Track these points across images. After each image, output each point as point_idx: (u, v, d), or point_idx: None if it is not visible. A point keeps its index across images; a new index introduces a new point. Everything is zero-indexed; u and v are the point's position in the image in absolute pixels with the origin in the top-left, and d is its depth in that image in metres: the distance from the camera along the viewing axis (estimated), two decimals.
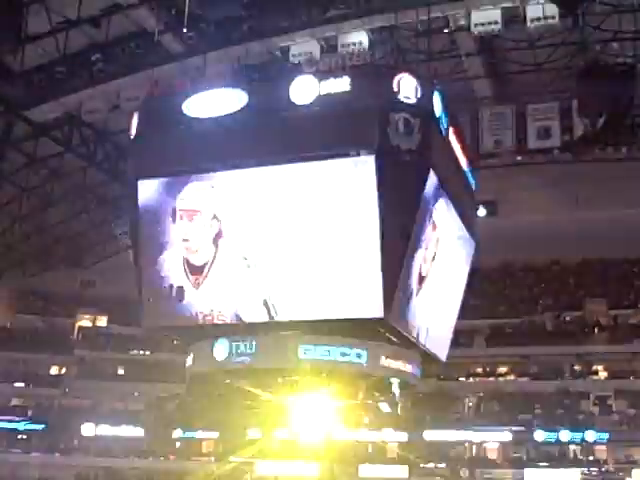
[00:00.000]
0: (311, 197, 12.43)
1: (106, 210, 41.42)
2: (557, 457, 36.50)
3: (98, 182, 38.02)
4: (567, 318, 41.55)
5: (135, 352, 47.26)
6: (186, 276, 13.65)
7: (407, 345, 14.27)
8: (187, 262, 13.61)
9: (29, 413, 45.28)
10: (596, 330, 40.37)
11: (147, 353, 46.69)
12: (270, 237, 12.78)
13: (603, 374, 39.66)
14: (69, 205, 40.18)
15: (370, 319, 12.41)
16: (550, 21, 22.55)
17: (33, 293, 48.59)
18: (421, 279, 13.43)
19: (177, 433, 42.90)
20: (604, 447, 36.51)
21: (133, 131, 14.34)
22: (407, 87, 12.32)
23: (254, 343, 13.61)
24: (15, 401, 46.95)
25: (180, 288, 13.72)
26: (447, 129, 13.50)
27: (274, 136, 12.72)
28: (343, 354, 13.63)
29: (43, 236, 43.37)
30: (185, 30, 24.16)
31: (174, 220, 13.53)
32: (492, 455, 38.86)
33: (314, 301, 12.63)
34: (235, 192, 13.03)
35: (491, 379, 42.02)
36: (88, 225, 43.91)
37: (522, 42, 27.63)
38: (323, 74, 13.17)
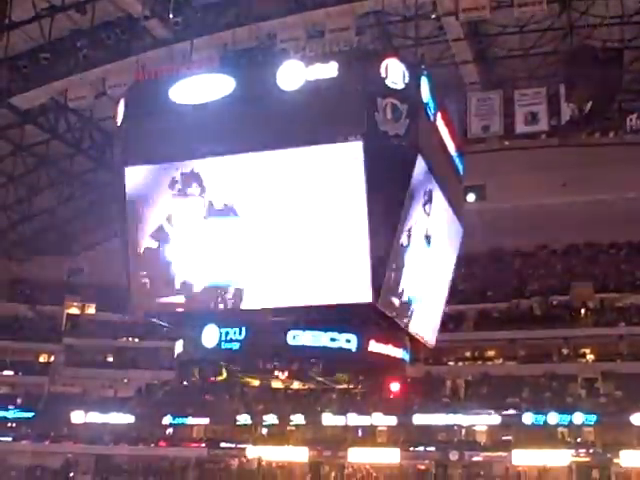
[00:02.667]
0: (299, 183, 12.41)
1: (93, 197, 41.29)
2: (545, 440, 36.76)
3: (85, 169, 37.89)
4: (554, 302, 41.75)
5: (124, 339, 47.22)
6: (173, 262, 13.63)
7: (396, 330, 14.32)
8: (173, 248, 13.59)
9: (18, 401, 45.19)
10: (583, 313, 40.63)
11: (136, 340, 46.65)
12: (257, 223, 12.78)
13: (590, 357, 39.97)
14: (56, 192, 39.99)
15: (359, 304, 12.44)
16: (537, 6, 22.57)
17: (20, 281, 48.40)
18: (409, 264, 13.45)
19: (167, 419, 42.99)
20: (592, 429, 36.81)
21: (120, 118, 14.26)
22: (394, 72, 12.30)
23: (243, 329, 13.64)
24: (4, 389, 46.88)
25: (168, 274, 13.70)
26: (435, 114, 13.50)
27: (261, 122, 12.67)
28: (332, 339, 13.67)
29: (30, 224, 43.19)
30: (171, 16, 24.05)
31: (161, 206, 13.49)
32: (481, 438, 39.10)
33: (302, 287, 12.64)
34: (222, 178, 13.00)
35: (479, 363, 42.26)
36: (75, 212, 43.79)
37: (509, 27, 27.68)
38: (310, 59, 13.13)
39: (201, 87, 13.39)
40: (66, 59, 26.80)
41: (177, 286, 13.65)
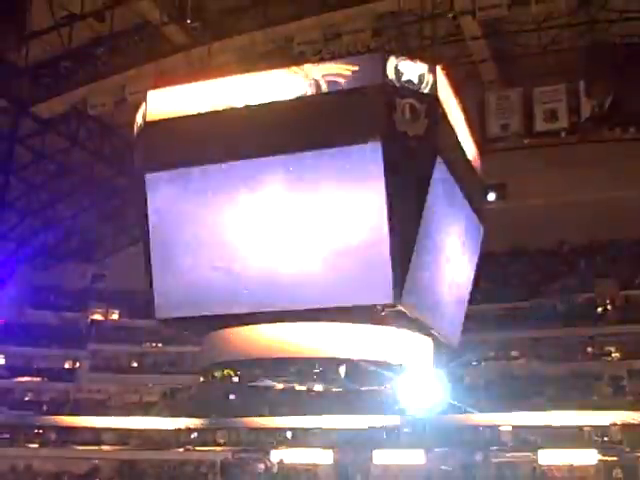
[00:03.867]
0: (319, 186, 12.41)
1: (115, 203, 41.59)
2: (572, 439, 36.50)
3: (106, 176, 38.16)
4: (578, 300, 41.43)
5: (148, 345, 47.48)
6: (197, 268, 13.67)
7: (418, 331, 14.27)
8: (198, 252, 13.62)
9: (44, 408, 45.53)
10: (608, 311, 40.28)
11: (160, 345, 46.89)
12: (279, 226, 12.79)
13: (616, 355, 39.62)
14: (78, 200, 40.32)
15: (380, 305, 12.41)
16: (555, 2, 22.46)
17: (44, 288, 48.82)
18: (430, 264, 13.42)
19: (192, 423, 43.14)
20: (618, 428, 36.47)
21: (140, 124, 14.32)
22: (412, 73, 12.28)
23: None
24: (30, 395, 47.26)
25: (191, 279, 13.75)
26: (453, 114, 13.46)
27: (280, 125, 12.69)
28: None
29: (53, 231, 43.58)
30: (189, 21, 24.19)
31: (184, 212, 13.53)
32: (506, 438, 38.87)
33: (322, 289, 12.63)
34: (245, 182, 13.02)
35: (503, 362, 42.02)
36: (97, 219, 44.09)
37: (527, 24, 27.56)
38: (327, 62, 13.13)
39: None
40: (86, 67, 27.09)
41: (202, 290, 13.67)
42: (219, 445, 43.01)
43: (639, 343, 39.09)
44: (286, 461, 40.39)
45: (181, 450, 42.67)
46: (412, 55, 12.85)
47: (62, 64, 26.62)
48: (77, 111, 30.63)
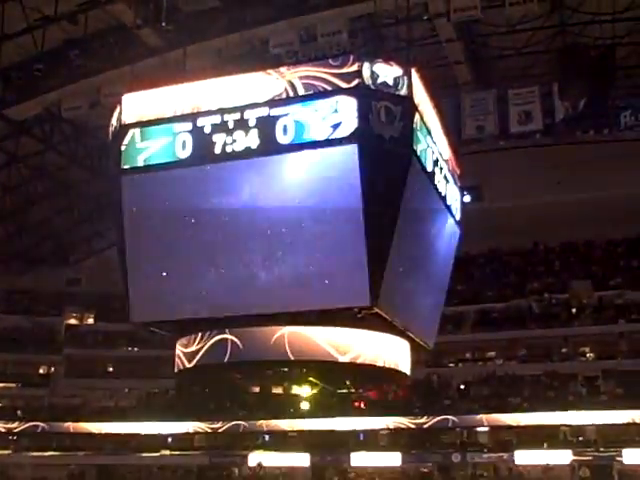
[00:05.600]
0: (294, 187, 12.39)
1: (90, 207, 41.26)
2: (547, 439, 36.75)
3: (81, 179, 37.85)
4: (553, 301, 41.74)
5: (123, 349, 47.13)
6: (172, 271, 13.59)
7: (394, 333, 14.28)
8: (172, 256, 13.54)
9: (18, 413, 45.05)
10: (582, 312, 40.60)
11: (135, 349, 46.56)
12: (254, 229, 12.74)
13: (590, 355, 39.97)
14: (52, 203, 39.97)
15: (357, 308, 12.40)
16: (529, 4, 22.60)
17: (18, 292, 48.33)
18: (406, 267, 13.43)
19: (168, 428, 42.91)
20: (593, 428, 36.76)
21: (114, 127, 14.22)
22: (387, 75, 12.30)
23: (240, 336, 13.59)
24: (4, 401, 46.76)
25: (167, 284, 13.66)
26: (429, 116, 13.49)
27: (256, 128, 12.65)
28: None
29: (27, 234, 43.17)
30: (163, 24, 24.03)
31: (159, 215, 13.44)
32: (483, 439, 39.04)
33: (298, 291, 12.60)
34: (219, 185, 12.96)
35: (480, 364, 42.23)
36: (72, 223, 43.74)
37: (501, 27, 27.72)
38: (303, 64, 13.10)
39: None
40: (59, 70, 26.79)
41: (177, 294, 13.59)
42: (196, 449, 42.83)
43: (613, 343, 39.49)
44: (264, 464, 40.29)
45: (158, 455, 42.39)
46: (388, 57, 12.86)
47: (35, 66, 26.32)
48: (51, 114, 30.36)
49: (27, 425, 43.91)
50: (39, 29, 25.69)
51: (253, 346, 13.33)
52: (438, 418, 38.38)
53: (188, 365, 14.01)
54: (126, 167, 13.38)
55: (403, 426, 38.90)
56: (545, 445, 36.47)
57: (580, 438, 36.82)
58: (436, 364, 40.16)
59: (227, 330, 13.35)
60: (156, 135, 13.25)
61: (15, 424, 43.99)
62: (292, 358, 13.21)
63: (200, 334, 13.64)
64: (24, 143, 33.59)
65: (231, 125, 12.66)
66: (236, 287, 12.98)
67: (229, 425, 41.79)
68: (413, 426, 38.69)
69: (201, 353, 13.70)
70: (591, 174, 37.40)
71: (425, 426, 38.55)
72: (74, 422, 43.54)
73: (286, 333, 13.26)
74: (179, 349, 14.38)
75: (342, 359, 13.37)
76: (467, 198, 30.73)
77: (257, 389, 16.85)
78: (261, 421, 41.22)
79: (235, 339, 13.30)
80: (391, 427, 39.42)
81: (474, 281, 43.60)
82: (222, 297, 13.16)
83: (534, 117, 27.12)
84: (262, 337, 13.34)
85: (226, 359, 13.27)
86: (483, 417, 38.16)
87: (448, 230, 16.20)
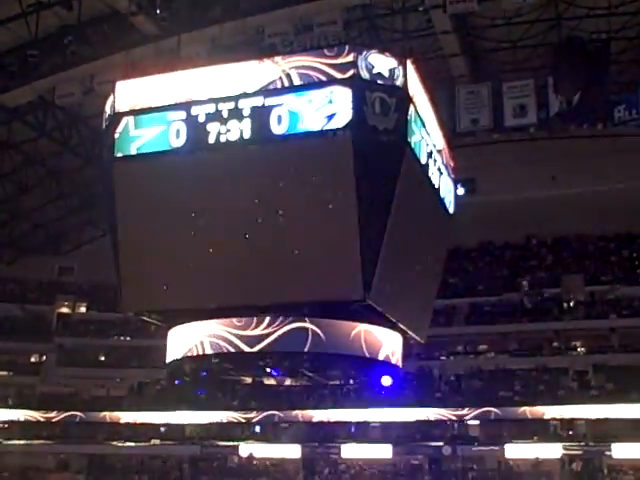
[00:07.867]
0: (287, 177, 12.34)
1: (82, 195, 41.11)
2: (537, 433, 36.88)
3: (74, 167, 37.68)
4: (545, 295, 41.79)
5: (115, 338, 47.04)
6: (164, 260, 13.53)
7: (388, 326, 14.27)
8: (165, 245, 13.48)
9: (10, 401, 44.96)
10: (574, 306, 40.67)
11: (128, 339, 46.47)
12: (249, 219, 12.68)
13: (581, 350, 40.05)
14: (45, 191, 39.75)
15: (350, 301, 12.37)
16: None
17: (10, 280, 48.14)
18: (399, 260, 13.40)
19: (160, 418, 42.87)
20: (583, 422, 36.90)
21: (108, 114, 14.12)
22: (382, 66, 12.24)
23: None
24: None
25: (160, 273, 13.60)
26: (424, 108, 13.44)
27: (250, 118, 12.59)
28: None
29: (19, 223, 42.99)
30: (158, 11, 23.91)
31: (152, 204, 13.37)
32: (474, 432, 39.14)
33: (291, 284, 12.55)
34: (212, 172, 12.89)
35: (471, 357, 42.30)
36: (65, 211, 43.55)
37: (497, 20, 27.68)
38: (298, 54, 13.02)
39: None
40: (53, 56, 26.60)
41: (169, 284, 13.53)
42: (188, 439, 42.83)
43: (604, 338, 39.60)
44: (255, 455, 40.35)
45: (149, 444, 42.38)
46: (383, 49, 12.81)
47: (29, 52, 26.11)
48: (44, 101, 30.18)
49: (18, 413, 43.79)
50: (33, 14, 25.49)
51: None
52: (428, 410, 38.48)
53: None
54: (119, 155, 13.30)
55: (394, 418, 38.96)
56: (535, 439, 36.64)
57: (570, 432, 36.99)
58: (428, 357, 40.19)
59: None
60: (150, 123, 13.16)
61: (6, 412, 43.87)
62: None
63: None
64: (17, 130, 33.36)
65: (225, 114, 12.59)
66: (228, 277, 12.94)
67: (221, 416, 41.77)
68: (404, 418, 38.76)
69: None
70: (585, 168, 37.45)
71: (415, 419, 38.63)
72: (65, 411, 43.42)
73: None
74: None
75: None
76: (461, 191, 30.75)
77: (249, 380, 16.79)
78: (253, 412, 41.23)
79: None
80: (382, 419, 39.49)
81: (467, 274, 43.62)
82: (214, 287, 13.12)
83: (529, 111, 27.12)
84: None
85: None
86: (474, 410, 38.21)
87: (441, 223, 16.18)
